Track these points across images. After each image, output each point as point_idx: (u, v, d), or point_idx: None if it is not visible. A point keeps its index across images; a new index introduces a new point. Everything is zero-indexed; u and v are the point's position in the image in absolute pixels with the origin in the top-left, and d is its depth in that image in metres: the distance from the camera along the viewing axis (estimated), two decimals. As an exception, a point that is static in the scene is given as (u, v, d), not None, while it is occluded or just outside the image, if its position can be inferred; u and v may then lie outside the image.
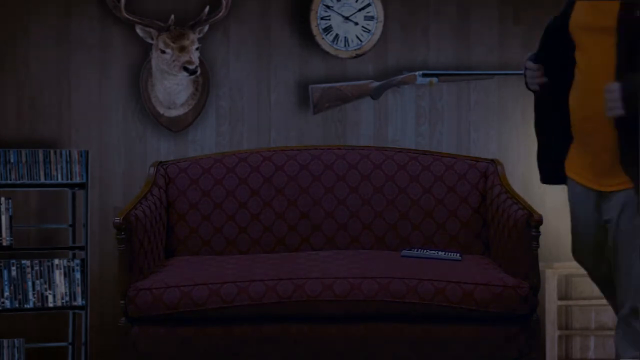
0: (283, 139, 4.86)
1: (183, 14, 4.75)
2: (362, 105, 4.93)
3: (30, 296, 4.38)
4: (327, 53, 4.87)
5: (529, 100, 5.06)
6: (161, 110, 4.76)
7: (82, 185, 4.50)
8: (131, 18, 4.66)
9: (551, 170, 3.33)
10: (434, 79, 4.83)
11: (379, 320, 3.72)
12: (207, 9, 4.71)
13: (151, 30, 4.70)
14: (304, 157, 4.29)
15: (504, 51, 5.02)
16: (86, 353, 4.51)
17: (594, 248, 3.28)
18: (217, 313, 3.70)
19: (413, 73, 4.83)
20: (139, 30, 4.70)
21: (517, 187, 4.66)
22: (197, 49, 4.72)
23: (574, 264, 4.72)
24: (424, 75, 4.82)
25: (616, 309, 3.25)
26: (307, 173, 4.19)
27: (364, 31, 4.87)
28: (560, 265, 4.73)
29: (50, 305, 4.41)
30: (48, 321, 4.70)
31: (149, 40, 4.72)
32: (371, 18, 4.88)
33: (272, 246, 4.27)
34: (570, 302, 4.72)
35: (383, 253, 4.17)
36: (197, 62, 4.69)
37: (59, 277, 4.42)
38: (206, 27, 4.76)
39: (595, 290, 4.73)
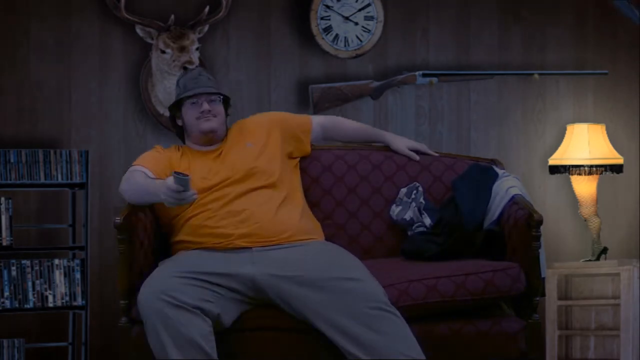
0: (283, 139, 4.85)
1: (183, 14, 4.75)
2: (362, 105, 4.93)
3: (30, 296, 4.39)
4: (327, 53, 4.87)
5: (529, 100, 5.07)
6: (161, 110, 4.76)
7: (82, 185, 4.51)
8: (131, 18, 4.67)
9: None
10: (434, 79, 4.83)
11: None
12: (207, 9, 4.71)
13: (151, 30, 4.70)
14: (302, 158, 4.27)
15: (504, 51, 5.02)
16: (86, 353, 4.51)
17: None
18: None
19: (413, 73, 4.83)
20: (139, 30, 4.70)
21: (517, 187, 4.65)
22: (197, 49, 4.72)
23: (574, 264, 4.75)
24: (424, 75, 4.82)
25: None
26: (305, 174, 4.18)
27: (364, 31, 4.88)
28: (560, 265, 4.73)
29: (50, 305, 4.41)
30: (48, 321, 4.70)
31: (149, 40, 4.72)
32: (371, 18, 4.88)
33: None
34: (570, 302, 4.72)
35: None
36: (197, 62, 4.69)
37: (59, 277, 4.42)
38: (206, 27, 4.76)
39: (595, 290, 4.73)
